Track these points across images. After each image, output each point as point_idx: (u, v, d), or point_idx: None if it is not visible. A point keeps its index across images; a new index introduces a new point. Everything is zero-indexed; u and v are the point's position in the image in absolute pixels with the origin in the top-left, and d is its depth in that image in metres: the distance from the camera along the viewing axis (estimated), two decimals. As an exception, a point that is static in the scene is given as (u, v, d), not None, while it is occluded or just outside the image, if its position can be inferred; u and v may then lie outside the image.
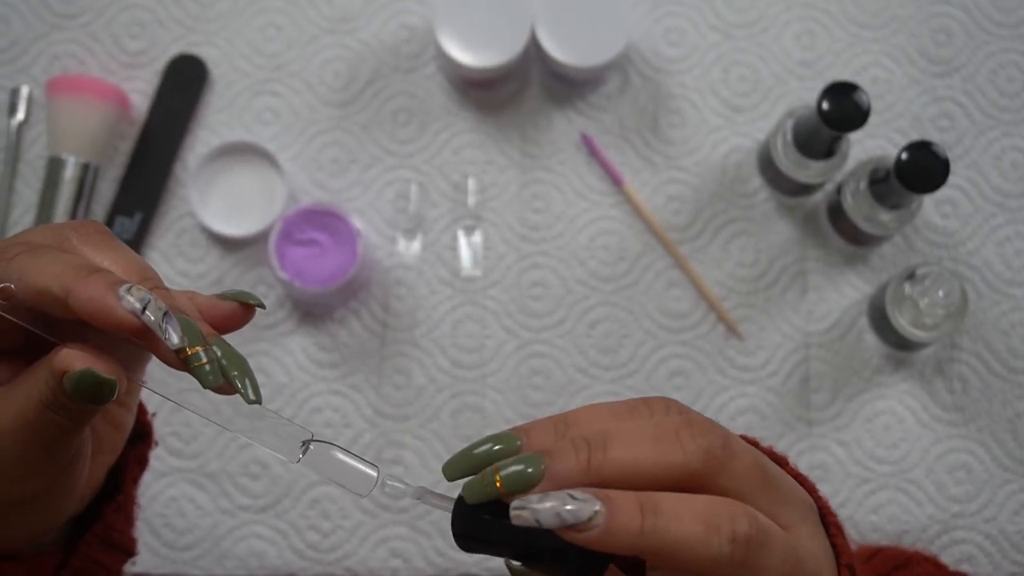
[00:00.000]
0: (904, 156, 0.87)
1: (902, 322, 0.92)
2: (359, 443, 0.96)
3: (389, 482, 0.44)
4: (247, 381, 0.42)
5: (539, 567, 0.41)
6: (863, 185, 0.93)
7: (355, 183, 1.00)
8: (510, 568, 0.42)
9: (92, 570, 0.53)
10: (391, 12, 1.04)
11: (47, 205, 0.97)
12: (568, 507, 0.38)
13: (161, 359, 0.41)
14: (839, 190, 0.96)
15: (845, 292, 0.99)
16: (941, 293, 0.90)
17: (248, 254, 0.99)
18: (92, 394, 0.40)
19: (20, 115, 1.01)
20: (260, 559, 0.94)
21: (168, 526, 0.94)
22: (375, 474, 0.43)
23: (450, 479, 0.42)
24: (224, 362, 0.41)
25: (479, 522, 0.41)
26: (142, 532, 0.93)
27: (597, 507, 0.38)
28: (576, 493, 0.38)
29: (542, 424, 0.42)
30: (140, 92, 1.02)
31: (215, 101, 1.02)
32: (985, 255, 1.00)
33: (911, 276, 0.92)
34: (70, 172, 0.97)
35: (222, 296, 0.45)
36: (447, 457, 0.94)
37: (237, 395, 0.42)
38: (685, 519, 0.38)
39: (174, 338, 0.40)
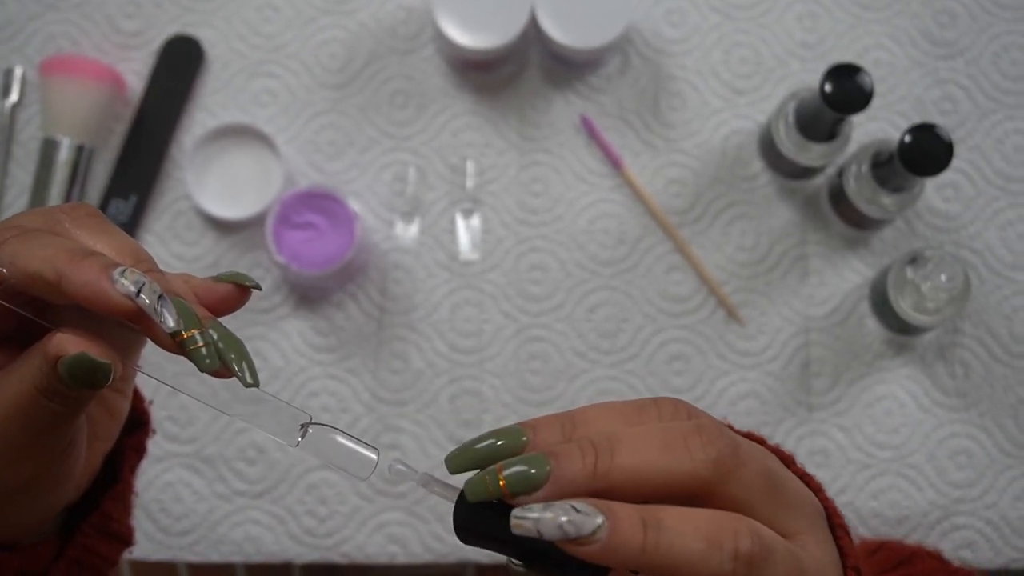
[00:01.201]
0: (908, 139, 0.86)
1: (904, 306, 0.92)
2: (356, 428, 0.95)
3: (396, 466, 0.43)
4: (244, 364, 0.41)
5: (540, 569, 0.40)
6: (865, 168, 0.92)
7: (352, 166, 1.00)
8: (510, 568, 0.41)
9: (89, 560, 0.52)
10: (389, -8, 1.03)
11: (41, 187, 0.96)
12: (570, 519, 0.37)
13: (157, 343, 0.40)
14: (841, 173, 0.95)
15: (846, 276, 0.98)
16: (944, 277, 0.89)
17: (244, 237, 0.98)
18: (87, 379, 0.39)
19: (14, 96, 1.00)
20: (256, 545, 0.93)
21: (164, 511, 0.93)
22: (375, 457, 0.43)
23: (452, 472, 0.41)
24: (221, 345, 0.41)
25: (481, 517, 0.40)
26: (138, 517, 0.92)
27: (599, 521, 0.37)
28: (579, 505, 0.37)
29: (549, 421, 0.41)
30: (135, 73, 1.01)
31: (211, 82, 1.01)
32: (987, 239, 0.99)
33: (913, 260, 0.91)
34: (64, 154, 0.96)
35: (217, 278, 0.44)
36: (445, 442, 0.94)
37: (234, 379, 0.41)
38: (688, 535, 0.37)
39: (169, 321, 0.39)
